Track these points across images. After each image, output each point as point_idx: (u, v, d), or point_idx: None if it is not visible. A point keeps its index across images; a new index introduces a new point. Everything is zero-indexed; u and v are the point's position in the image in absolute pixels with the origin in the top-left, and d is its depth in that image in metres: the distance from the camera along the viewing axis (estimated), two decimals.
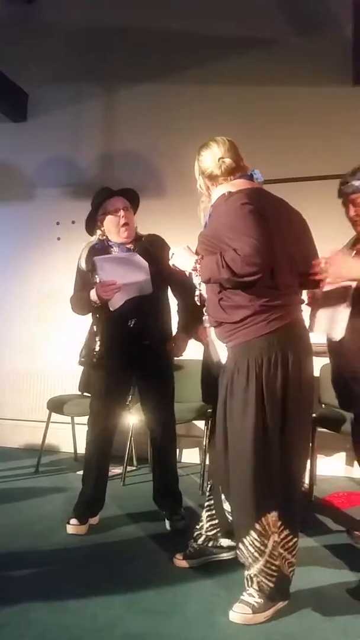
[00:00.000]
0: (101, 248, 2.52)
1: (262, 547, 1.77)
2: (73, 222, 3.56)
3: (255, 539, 1.78)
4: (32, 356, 4.15)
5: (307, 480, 3.05)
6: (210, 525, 2.11)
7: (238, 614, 1.77)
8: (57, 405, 3.43)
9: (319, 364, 2.98)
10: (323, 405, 3.15)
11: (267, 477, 1.76)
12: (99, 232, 2.54)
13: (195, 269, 1.85)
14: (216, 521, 2.09)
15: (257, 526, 1.77)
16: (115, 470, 3.39)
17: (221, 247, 1.77)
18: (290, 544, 1.83)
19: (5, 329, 4.23)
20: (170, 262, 1.96)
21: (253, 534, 1.78)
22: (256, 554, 1.78)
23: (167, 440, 2.56)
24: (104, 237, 2.53)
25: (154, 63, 3.99)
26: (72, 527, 2.47)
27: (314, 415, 3.03)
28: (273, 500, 1.78)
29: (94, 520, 2.57)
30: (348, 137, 3.54)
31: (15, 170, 4.31)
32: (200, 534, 2.13)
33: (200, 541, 2.13)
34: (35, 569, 2.14)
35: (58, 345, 3.99)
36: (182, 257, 1.93)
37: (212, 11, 3.87)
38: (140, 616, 1.81)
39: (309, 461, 3.03)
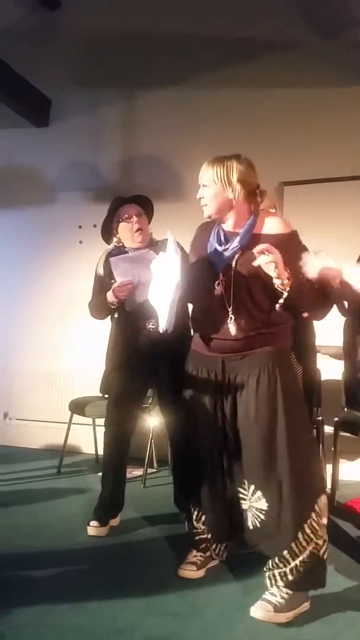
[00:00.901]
0: (117, 254, 2.56)
1: (318, 529, 1.85)
2: (95, 226, 3.55)
3: (314, 521, 1.84)
4: (54, 358, 4.19)
5: (329, 485, 3.02)
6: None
7: (260, 610, 1.81)
8: (78, 406, 3.46)
9: (340, 367, 2.94)
10: (345, 409, 3.11)
11: (319, 462, 1.99)
12: (115, 239, 2.59)
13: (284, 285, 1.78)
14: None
15: (316, 507, 1.86)
16: (136, 472, 3.40)
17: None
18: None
19: (28, 331, 4.29)
20: (264, 261, 1.75)
21: (313, 515, 1.85)
22: (304, 544, 1.83)
23: (185, 442, 2.55)
24: (120, 244, 2.58)
25: (173, 68, 4.00)
26: (93, 528, 2.49)
27: (336, 419, 3.00)
28: (323, 482, 1.95)
29: (114, 522, 2.58)
30: None
31: (38, 175, 4.37)
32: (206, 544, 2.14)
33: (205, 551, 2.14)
34: (55, 570, 2.15)
35: (80, 347, 4.03)
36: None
37: (232, 15, 3.86)
38: (159, 619, 1.81)
39: (330, 466, 3.00)
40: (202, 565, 2.14)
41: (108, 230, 2.61)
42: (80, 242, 4.16)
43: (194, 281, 1.99)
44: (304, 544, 1.83)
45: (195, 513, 2.14)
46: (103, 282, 2.55)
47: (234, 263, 1.91)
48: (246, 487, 1.94)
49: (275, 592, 1.83)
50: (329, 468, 3.03)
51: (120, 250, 2.57)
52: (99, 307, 2.57)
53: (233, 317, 1.91)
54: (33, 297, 4.29)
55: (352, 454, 3.41)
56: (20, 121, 4.26)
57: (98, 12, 4.22)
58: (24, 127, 4.34)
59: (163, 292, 1.96)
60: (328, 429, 3.07)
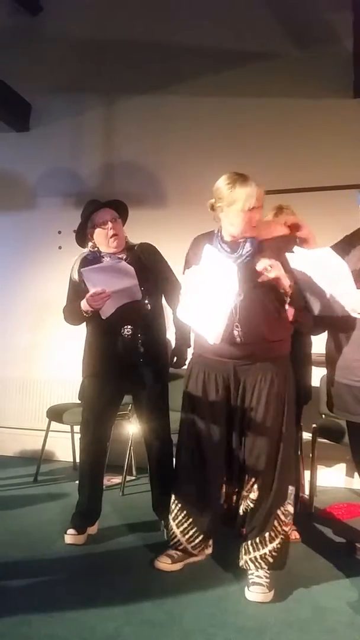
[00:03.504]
0: (93, 259, 2.54)
1: (288, 513, 2.09)
2: (74, 231, 3.55)
3: (283, 514, 2.06)
4: (33, 364, 4.14)
5: (307, 491, 3.04)
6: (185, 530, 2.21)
7: (256, 593, 1.98)
8: (56, 413, 3.42)
9: (319, 375, 2.98)
10: (323, 416, 3.14)
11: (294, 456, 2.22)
12: (90, 244, 2.57)
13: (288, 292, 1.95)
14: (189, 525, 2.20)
15: (287, 496, 2.09)
16: (115, 479, 3.37)
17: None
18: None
19: (6, 337, 4.23)
20: (267, 279, 1.92)
21: (282, 508, 2.07)
22: (279, 528, 2.05)
23: (163, 449, 2.55)
24: (96, 249, 2.56)
25: (155, 75, 4.02)
26: (70, 536, 2.46)
27: (314, 425, 3.03)
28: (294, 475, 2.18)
29: (92, 530, 2.55)
30: (348, 148, 3.57)
31: (17, 180, 4.33)
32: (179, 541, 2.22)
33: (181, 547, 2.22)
34: (32, 579, 2.12)
35: (59, 353, 3.99)
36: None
37: (212, 24, 3.91)
38: (139, 627, 1.79)
39: (309, 472, 3.03)
40: (178, 560, 2.20)
41: (83, 235, 2.58)
42: (60, 247, 4.13)
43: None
44: (279, 528, 2.06)
45: (178, 513, 2.20)
46: (78, 288, 2.52)
47: (248, 269, 2.00)
48: (245, 480, 2.10)
49: (261, 574, 2.03)
50: (307, 474, 3.06)
51: (95, 254, 2.55)
52: (73, 314, 2.54)
53: (239, 325, 2.01)
54: (11, 303, 4.24)
55: (330, 461, 3.45)
56: (0, 126, 4.23)
57: (80, 18, 4.22)
58: (3, 132, 4.30)
59: (214, 302, 1.91)
60: (306, 436, 3.10)
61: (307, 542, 2.49)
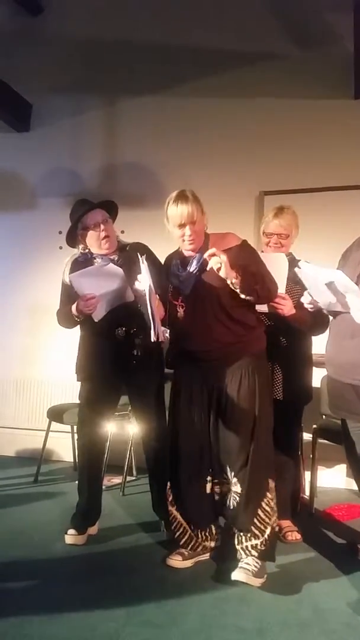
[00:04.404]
0: (84, 260, 2.52)
1: (273, 506, 2.14)
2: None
3: (267, 505, 2.12)
4: (33, 365, 4.15)
5: (307, 492, 3.04)
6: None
7: (241, 574, 2.05)
8: (56, 414, 3.42)
9: (319, 375, 2.98)
10: (324, 417, 3.14)
11: (272, 449, 2.23)
12: (81, 245, 2.54)
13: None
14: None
15: (269, 488, 2.14)
16: (115, 480, 3.38)
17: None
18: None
19: (7, 337, 4.23)
20: (215, 263, 2.03)
21: (268, 494, 2.13)
22: (267, 520, 2.11)
23: (160, 449, 2.54)
24: (87, 250, 2.53)
25: (155, 75, 4.03)
26: (71, 537, 2.46)
27: (314, 426, 3.03)
28: (273, 467, 2.22)
29: (92, 530, 2.56)
30: (349, 149, 3.57)
31: (18, 180, 4.33)
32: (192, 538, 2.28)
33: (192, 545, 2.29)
34: (33, 580, 2.12)
35: (59, 354, 3.99)
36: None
37: (213, 25, 3.91)
38: (139, 628, 1.80)
39: (309, 473, 3.03)
40: (188, 557, 2.26)
41: (73, 236, 2.55)
42: (61, 247, 4.11)
43: (168, 306, 2.24)
44: (267, 520, 2.12)
45: (176, 510, 2.29)
46: (70, 291, 2.48)
47: (199, 282, 2.16)
48: (229, 475, 2.19)
49: (250, 562, 2.09)
50: (307, 475, 3.06)
51: (86, 256, 2.53)
52: (65, 318, 2.53)
53: (191, 335, 2.17)
54: (12, 303, 4.24)
55: (330, 461, 3.45)
56: (1, 126, 4.23)
57: (80, 19, 4.23)
58: (4, 132, 4.30)
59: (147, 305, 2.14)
60: (306, 436, 3.10)
61: (308, 542, 2.50)
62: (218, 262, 2.02)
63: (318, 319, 2.40)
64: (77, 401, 3.44)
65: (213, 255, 2.03)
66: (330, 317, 2.24)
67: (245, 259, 2.13)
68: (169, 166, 3.93)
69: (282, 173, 3.65)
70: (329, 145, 3.63)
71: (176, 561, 2.24)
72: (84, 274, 2.37)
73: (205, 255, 2.05)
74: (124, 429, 3.34)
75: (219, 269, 2.02)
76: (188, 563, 2.25)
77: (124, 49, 4.09)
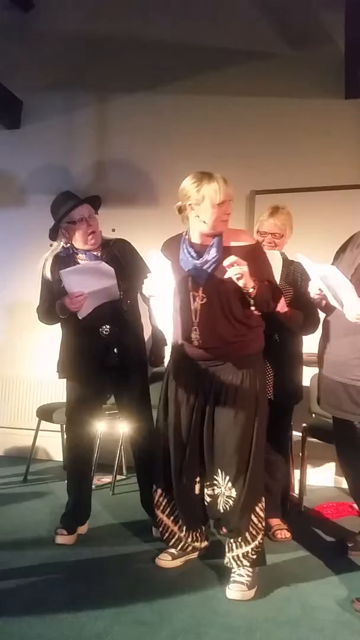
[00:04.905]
0: (66, 256, 2.47)
1: (262, 518, 2.11)
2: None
3: (261, 510, 2.10)
4: (23, 363, 4.12)
5: (297, 490, 3.05)
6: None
7: (236, 591, 1.99)
8: (46, 413, 3.40)
9: (309, 374, 2.99)
10: (313, 415, 3.16)
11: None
12: (63, 240, 2.49)
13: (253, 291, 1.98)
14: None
15: (261, 502, 2.11)
16: (105, 479, 3.37)
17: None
18: None
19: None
20: (234, 273, 1.92)
21: (260, 505, 2.10)
22: (260, 525, 2.08)
23: (147, 447, 2.52)
24: (69, 245, 2.48)
25: (147, 72, 4.01)
26: (60, 537, 2.45)
27: (304, 425, 3.05)
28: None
29: (82, 530, 2.55)
30: (339, 149, 3.58)
31: (8, 177, 4.30)
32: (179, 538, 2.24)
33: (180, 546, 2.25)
34: (22, 579, 2.11)
35: (49, 352, 3.94)
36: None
37: (205, 23, 3.90)
38: (128, 627, 1.79)
39: (298, 471, 3.04)
40: (178, 557, 2.25)
41: (56, 229, 2.50)
42: (51, 245, 4.10)
43: (174, 297, 2.11)
44: (259, 525, 2.08)
45: (166, 508, 2.25)
46: (51, 287, 2.45)
47: (213, 274, 2.04)
48: (221, 477, 2.11)
49: (242, 573, 2.04)
50: (297, 473, 3.07)
51: (68, 251, 2.48)
52: (48, 314, 2.49)
53: (197, 329, 2.08)
54: (1, 300, 4.22)
55: (319, 460, 3.46)
56: None
57: (72, 15, 4.20)
58: None
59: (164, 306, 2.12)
60: (296, 435, 3.11)
61: (297, 540, 2.51)
62: (238, 272, 1.91)
63: (309, 318, 2.41)
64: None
65: (232, 264, 1.92)
66: (322, 316, 2.25)
67: (264, 273, 2.07)
68: (159, 164, 3.93)
69: (273, 172, 3.65)
70: (320, 145, 3.64)
71: (165, 561, 2.23)
72: (76, 270, 2.34)
73: (225, 264, 1.93)
74: (114, 427, 3.33)
75: (238, 278, 1.92)
76: (177, 562, 2.24)
77: (115, 46, 4.06)
